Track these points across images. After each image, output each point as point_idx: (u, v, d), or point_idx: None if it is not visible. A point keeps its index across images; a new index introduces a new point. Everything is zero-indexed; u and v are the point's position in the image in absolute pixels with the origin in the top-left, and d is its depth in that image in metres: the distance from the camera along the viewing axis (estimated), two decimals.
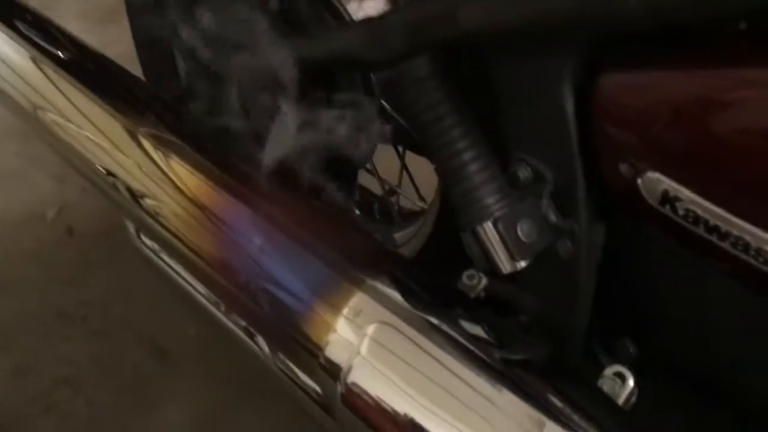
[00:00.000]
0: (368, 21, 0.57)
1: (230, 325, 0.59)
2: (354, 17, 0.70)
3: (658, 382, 0.49)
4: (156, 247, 0.70)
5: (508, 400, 0.40)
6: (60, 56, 0.78)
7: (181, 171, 0.61)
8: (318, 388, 0.49)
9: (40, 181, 1.31)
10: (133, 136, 0.65)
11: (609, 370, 0.48)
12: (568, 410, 0.40)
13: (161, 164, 0.62)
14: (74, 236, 1.22)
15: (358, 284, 0.47)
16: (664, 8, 0.34)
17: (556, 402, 0.40)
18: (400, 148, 0.79)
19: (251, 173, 0.57)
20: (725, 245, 0.36)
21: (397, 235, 0.74)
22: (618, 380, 0.48)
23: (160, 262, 0.69)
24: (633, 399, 0.46)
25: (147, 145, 0.64)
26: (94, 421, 0.98)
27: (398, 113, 0.67)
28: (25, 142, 1.36)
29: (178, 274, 0.66)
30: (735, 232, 0.36)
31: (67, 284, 1.14)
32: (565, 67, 0.41)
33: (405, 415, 0.42)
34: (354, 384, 0.45)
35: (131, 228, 0.73)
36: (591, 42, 0.41)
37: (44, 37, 0.80)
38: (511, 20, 0.41)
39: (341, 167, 0.63)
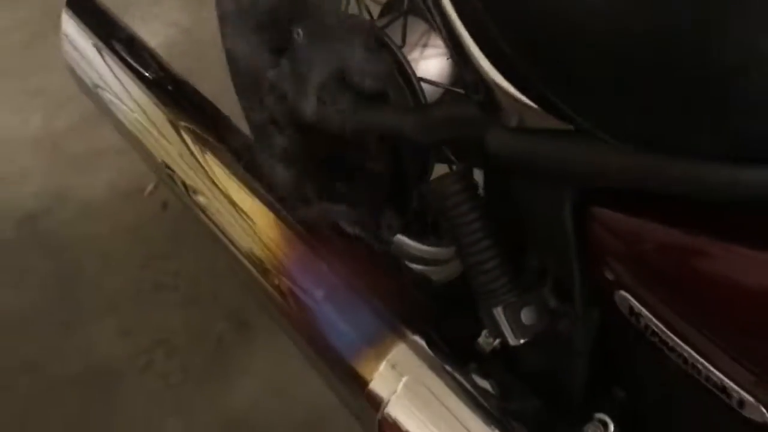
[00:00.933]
0: (420, 109, 0.69)
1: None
2: (415, 65, 0.81)
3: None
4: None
5: None
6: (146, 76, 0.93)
7: (247, 205, 0.76)
8: (361, 410, 0.63)
9: (139, 159, 1.48)
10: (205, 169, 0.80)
11: (595, 417, 0.60)
12: None
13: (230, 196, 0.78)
14: (168, 211, 1.39)
15: (401, 337, 0.60)
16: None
17: None
18: None
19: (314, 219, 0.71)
20: (679, 363, 0.48)
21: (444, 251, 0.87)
22: (600, 426, 0.61)
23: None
24: None
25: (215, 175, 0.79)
26: (187, 380, 1.16)
27: None
28: None
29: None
30: (686, 356, 0.47)
31: (162, 257, 1.32)
32: (566, 195, 0.53)
33: None
34: (389, 415, 0.59)
35: None
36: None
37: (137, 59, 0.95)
38: (524, 157, 0.53)
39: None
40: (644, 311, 0.49)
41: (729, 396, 0.46)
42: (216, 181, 0.79)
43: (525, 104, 0.53)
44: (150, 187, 1.43)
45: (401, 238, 0.78)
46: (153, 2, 1.86)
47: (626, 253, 0.50)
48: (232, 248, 0.75)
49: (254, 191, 0.76)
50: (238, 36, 0.87)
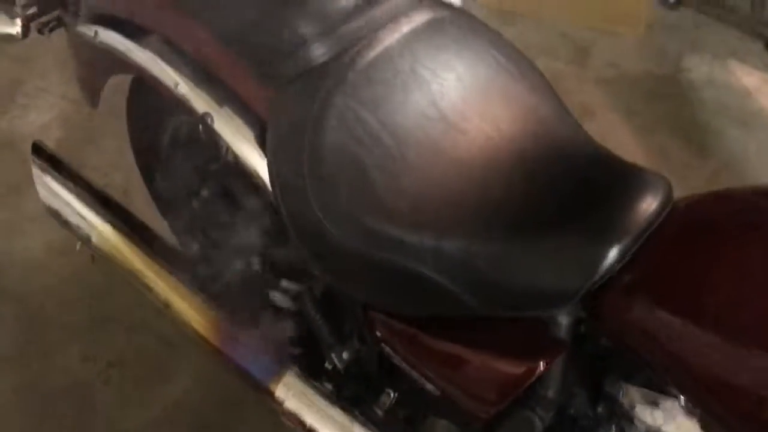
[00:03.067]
0: None
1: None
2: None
3: None
4: None
5: None
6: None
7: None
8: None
9: None
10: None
11: (385, 390, 1.29)
12: None
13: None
14: (98, 262, 1.92)
15: (287, 369, 1.25)
16: None
17: None
18: None
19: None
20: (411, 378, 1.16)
21: None
22: (387, 395, 1.29)
23: None
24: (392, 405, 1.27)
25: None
26: (138, 385, 1.74)
27: None
28: None
29: None
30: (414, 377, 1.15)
31: (101, 297, 1.86)
32: (357, 306, 1.19)
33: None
34: (287, 408, 1.23)
35: None
36: None
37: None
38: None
39: None
40: (396, 357, 1.16)
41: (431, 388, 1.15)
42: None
43: None
44: (79, 245, 1.95)
45: None
46: (40, 77, 2.28)
47: (382, 328, 1.16)
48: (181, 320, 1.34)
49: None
50: None
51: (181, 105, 1.20)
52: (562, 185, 1.04)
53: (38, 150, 1.53)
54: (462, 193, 1.03)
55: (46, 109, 2.12)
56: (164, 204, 1.58)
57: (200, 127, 1.42)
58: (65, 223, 1.50)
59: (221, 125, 1.15)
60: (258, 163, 1.13)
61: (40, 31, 1.50)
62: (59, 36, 2.29)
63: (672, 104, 2.49)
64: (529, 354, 1.04)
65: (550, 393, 1.07)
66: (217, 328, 1.31)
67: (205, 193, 1.40)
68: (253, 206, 1.35)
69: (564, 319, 1.02)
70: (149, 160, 1.55)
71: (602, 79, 2.57)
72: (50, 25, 1.51)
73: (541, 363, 1.02)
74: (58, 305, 1.86)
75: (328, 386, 1.26)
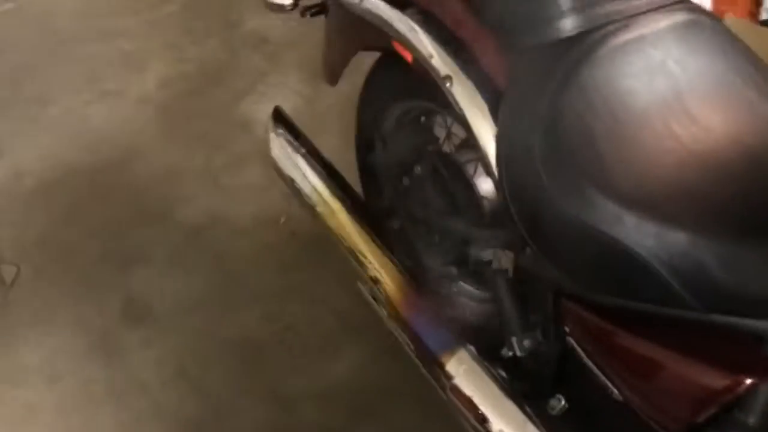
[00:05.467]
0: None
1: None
2: None
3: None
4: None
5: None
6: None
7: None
8: (438, 380, 1.26)
9: (275, 196, 2.12)
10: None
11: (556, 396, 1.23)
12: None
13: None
14: (296, 238, 2.03)
15: (462, 346, 1.23)
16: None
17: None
18: None
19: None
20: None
21: None
22: (557, 399, 1.23)
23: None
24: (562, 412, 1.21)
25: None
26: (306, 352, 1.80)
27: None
28: (268, 165, 2.17)
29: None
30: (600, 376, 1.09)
31: (291, 270, 1.96)
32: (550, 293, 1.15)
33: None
34: (455, 384, 1.21)
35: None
36: None
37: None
38: (535, 273, 1.16)
39: None
40: (578, 348, 1.12)
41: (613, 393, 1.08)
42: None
43: None
44: (283, 219, 2.08)
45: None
46: (282, 74, 2.50)
47: (573, 320, 1.12)
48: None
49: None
50: None
51: (425, 75, 1.25)
52: None
53: (278, 115, 1.66)
54: (694, 185, 0.99)
55: (280, 99, 2.29)
56: (371, 182, 1.65)
57: (422, 118, 1.50)
58: (292, 186, 1.59)
59: (458, 90, 1.19)
60: (485, 132, 1.16)
61: (302, 14, 1.65)
62: (307, 39, 2.52)
63: None
64: (735, 368, 0.95)
65: (751, 420, 0.97)
66: (404, 293, 1.33)
67: (418, 170, 1.45)
68: (460, 187, 1.38)
69: None
70: (369, 138, 1.63)
71: None
72: (313, 10, 1.66)
73: (748, 380, 0.94)
74: (251, 269, 1.97)
75: (502, 373, 1.23)
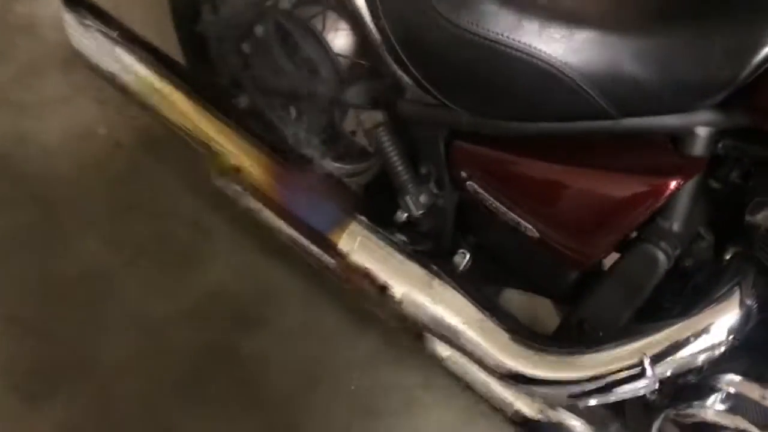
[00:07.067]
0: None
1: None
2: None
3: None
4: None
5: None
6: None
7: None
8: (332, 262, 1.11)
9: (86, 104, 1.81)
10: None
11: (459, 251, 1.13)
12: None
13: None
14: (123, 149, 1.76)
15: (353, 218, 1.09)
16: None
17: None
18: None
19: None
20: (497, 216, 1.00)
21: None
22: (462, 254, 1.13)
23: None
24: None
25: None
26: (163, 270, 1.58)
27: None
28: (68, 71, 1.84)
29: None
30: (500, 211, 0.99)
31: (126, 183, 1.70)
32: (440, 135, 1.03)
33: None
34: (353, 261, 1.07)
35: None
36: None
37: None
38: (418, 117, 1.02)
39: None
40: (481, 191, 1.01)
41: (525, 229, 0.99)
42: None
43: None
44: (102, 129, 1.79)
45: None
46: None
47: (471, 162, 1.01)
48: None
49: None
50: None
51: None
52: None
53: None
54: None
55: None
56: (201, 57, 1.41)
57: None
58: (113, 81, 1.31)
59: None
60: None
61: None
62: None
63: None
64: (655, 173, 0.89)
65: (675, 226, 0.92)
66: (274, 176, 1.15)
67: (259, 32, 1.24)
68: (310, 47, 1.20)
69: (702, 132, 0.86)
70: (188, 3, 1.37)
71: None
72: None
73: (672, 182, 0.87)
74: (77, 192, 1.69)
75: (402, 238, 1.10)
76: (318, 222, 1.11)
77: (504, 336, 0.97)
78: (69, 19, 1.33)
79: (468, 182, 1.02)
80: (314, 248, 1.14)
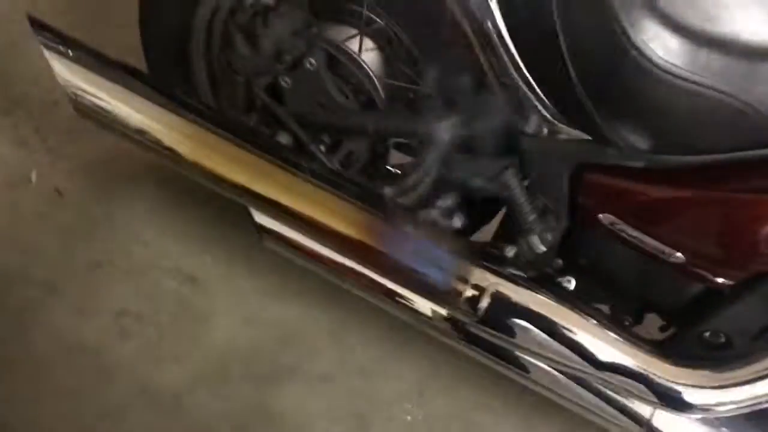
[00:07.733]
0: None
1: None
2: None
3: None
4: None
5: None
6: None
7: None
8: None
9: (5, 149, 1.50)
10: None
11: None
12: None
13: None
14: (65, 196, 1.48)
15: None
16: None
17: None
18: None
19: None
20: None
21: None
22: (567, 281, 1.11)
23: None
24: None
25: None
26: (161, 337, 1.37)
27: None
28: None
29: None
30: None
31: (82, 237, 1.44)
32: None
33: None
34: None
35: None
36: None
37: None
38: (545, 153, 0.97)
39: None
40: (619, 221, 0.99)
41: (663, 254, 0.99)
42: None
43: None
44: (34, 175, 1.50)
45: None
46: None
47: (609, 194, 0.99)
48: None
49: None
50: None
51: None
52: None
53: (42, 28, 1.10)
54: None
55: None
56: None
57: None
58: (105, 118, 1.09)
59: None
60: None
61: None
62: None
63: None
64: None
65: None
66: (364, 225, 1.04)
67: (311, 64, 1.10)
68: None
69: None
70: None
71: None
72: None
73: None
74: (23, 256, 1.40)
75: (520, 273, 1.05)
76: (433, 273, 1.03)
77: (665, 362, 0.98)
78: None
79: (602, 214, 1.00)
80: (420, 301, 1.06)
